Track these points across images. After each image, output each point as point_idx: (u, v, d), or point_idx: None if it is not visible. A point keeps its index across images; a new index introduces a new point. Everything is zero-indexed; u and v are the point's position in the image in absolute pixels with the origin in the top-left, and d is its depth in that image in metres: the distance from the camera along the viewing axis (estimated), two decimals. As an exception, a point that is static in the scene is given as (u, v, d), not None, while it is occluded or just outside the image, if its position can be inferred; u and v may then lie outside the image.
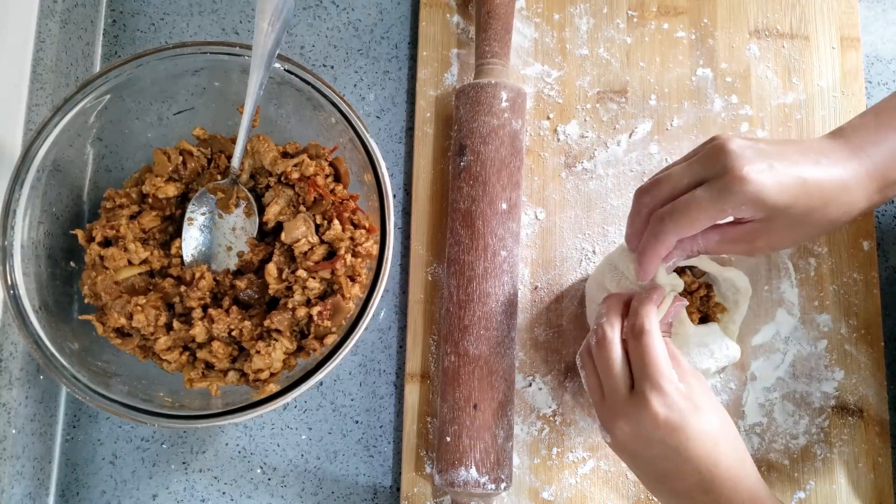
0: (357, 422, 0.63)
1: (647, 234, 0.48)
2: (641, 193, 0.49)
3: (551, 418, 0.61)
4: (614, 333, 0.50)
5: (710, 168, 0.46)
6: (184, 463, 0.62)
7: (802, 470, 0.60)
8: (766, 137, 0.48)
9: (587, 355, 0.51)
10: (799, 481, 0.60)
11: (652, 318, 0.49)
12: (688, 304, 0.53)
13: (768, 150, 0.46)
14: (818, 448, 0.60)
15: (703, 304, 0.58)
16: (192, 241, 0.58)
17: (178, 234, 0.58)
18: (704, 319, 0.57)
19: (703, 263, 0.55)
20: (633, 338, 0.48)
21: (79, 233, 0.56)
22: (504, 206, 0.60)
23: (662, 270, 0.52)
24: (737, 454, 0.47)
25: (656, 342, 0.47)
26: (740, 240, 0.48)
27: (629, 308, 0.51)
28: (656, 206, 0.48)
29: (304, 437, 0.63)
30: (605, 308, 0.51)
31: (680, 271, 0.57)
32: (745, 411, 0.61)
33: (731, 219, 0.47)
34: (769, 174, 0.44)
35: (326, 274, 0.55)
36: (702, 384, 0.49)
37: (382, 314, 0.65)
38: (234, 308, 0.56)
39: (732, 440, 0.48)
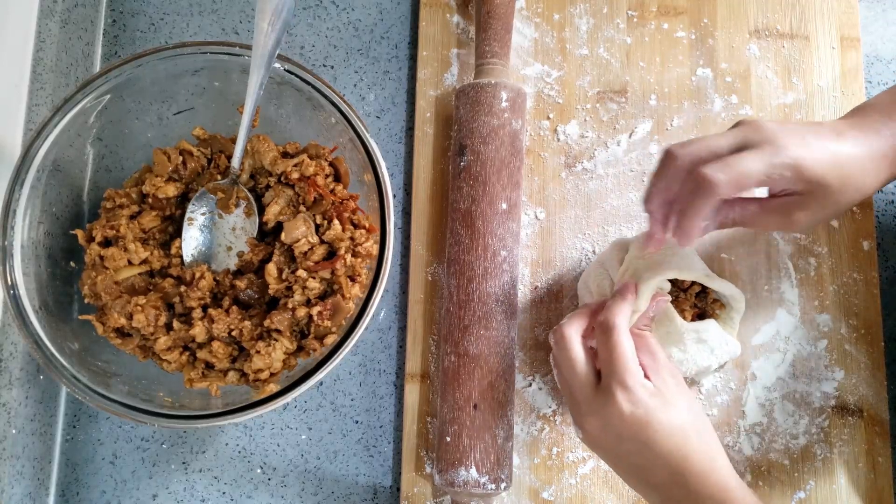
0: (357, 422, 0.63)
1: (691, 192, 0.46)
2: (676, 149, 0.47)
3: (551, 418, 0.61)
4: (572, 332, 0.50)
5: (748, 138, 0.47)
6: (184, 463, 0.62)
7: (802, 470, 0.60)
8: (786, 121, 0.51)
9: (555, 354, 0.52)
10: (799, 481, 0.60)
11: (620, 315, 0.49)
12: (670, 299, 0.53)
13: (797, 130, 0.47)
14: (818, 448, 0.60)
15: (701, 300, 0.58)
16: (192, 241, 0.58)
17: (178, 234, 0.58)
18: (703, 317, 0.57)
19: (692, 276, 0.55)
20: (601, 333, 0.49)
21: (79, 233, 0.56)
22: (504, 206, 0.60)
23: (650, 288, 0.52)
24: (708, 447, 0.48)
25: (622, 338, 0.48)
26: (778, 211, 0.49)
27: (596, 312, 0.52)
28: (695, 164, 0.46)
29: (304, 437, 0.63)
30: (570, 314, 0.52)
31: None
32: (745, 411, 0.61)
33: (765, 193, 0.48)
34: (806, 148, 0.46)
35: (326, 274, 0.55)
36: (675, 379, 0.49)
37: (382, 314, 0.65)
38: (234, 308, 0.56)
39: (703, 434, 0.48)
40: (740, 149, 0.47)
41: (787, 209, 0.48)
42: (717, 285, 0.55)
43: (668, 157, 0.48)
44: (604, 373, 0.48)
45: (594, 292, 0.57)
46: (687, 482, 0.47)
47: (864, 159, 0.48)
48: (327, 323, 0.54)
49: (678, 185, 0.47)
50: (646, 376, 0.48)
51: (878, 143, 0.48)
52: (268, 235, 0.59)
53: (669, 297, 0.53)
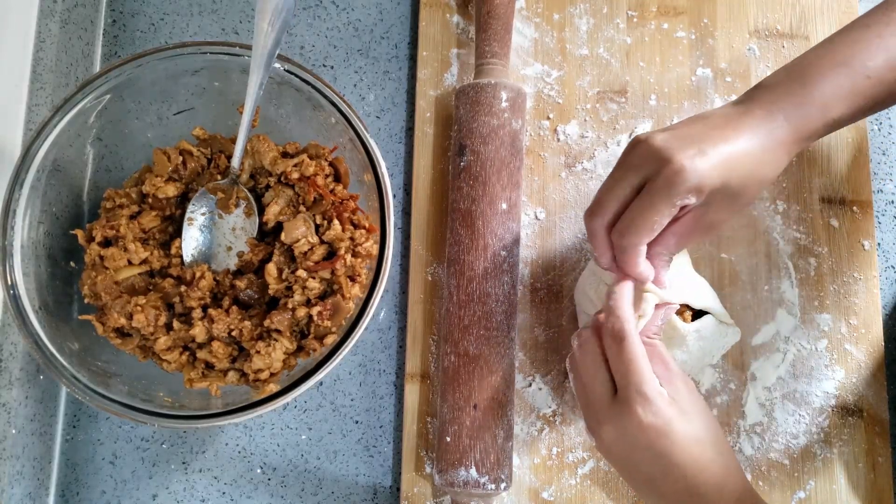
0: (357, 422, 0.63)
1: (618, 253, 0.49)
2: (591, 216, 0.50)
3: (551, 418, 0.61)
4: (595, 339, 0.50)
5: (645, 169, 0.47)
6: (184, 463, 0.62)
7: (802, 470, 0.60)
8: (676, 122, 0.51)
9: (573, 360, 0.52)
10: (799, 481, 0.60)
11: (629, 322, 0.49)
12: (677, 307, 0.53)
13: (690, 135, 0.47)
14: (818, 448, 0.60)
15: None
16: (192, 241, 0.58)
17: (178, 234, 0.58)
18: (698, 314, 0.57)
19: (703, 305, 0.55)
20: (614, 343, 0.48)
21: (79, 233, 0.56)
22: (504, 206, 0.60)
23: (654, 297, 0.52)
24: (723, 458, 0.47)
25: (636, 347, 0.47)
26: (692, 229, 0.49)
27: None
28: (611, 223, 0.49)
29: (304, 437, 0.63)
30: (591, 321, 0.52)
31: None
32: (745, 411, 0.61)
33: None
34: (701, 158, 0.46)
35: (326, 274, 0.55)
36: (689, 387, 0.49)
37: (382, 314, 0.65)
38: (234, 308, 0.56)
39: (719, 444, 0.48)
40: (641, 186, 0.47)
41: (699, 222, 0.49)
42: (722, 316, 0.56)
43: (587, 222, 0.51)
44: (619, 382, 0.48)
45: (594, 299, 0.57)
46: (702, 493, 0.46)
47: (761, 152, 0.48)
48: (327, 323, 0.54)
49: (607, 244, 0.50)
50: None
51: (773, 131, 0.48)
52: (268, 235, 0.59)
53: (676, 305, 0.53)
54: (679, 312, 0.55)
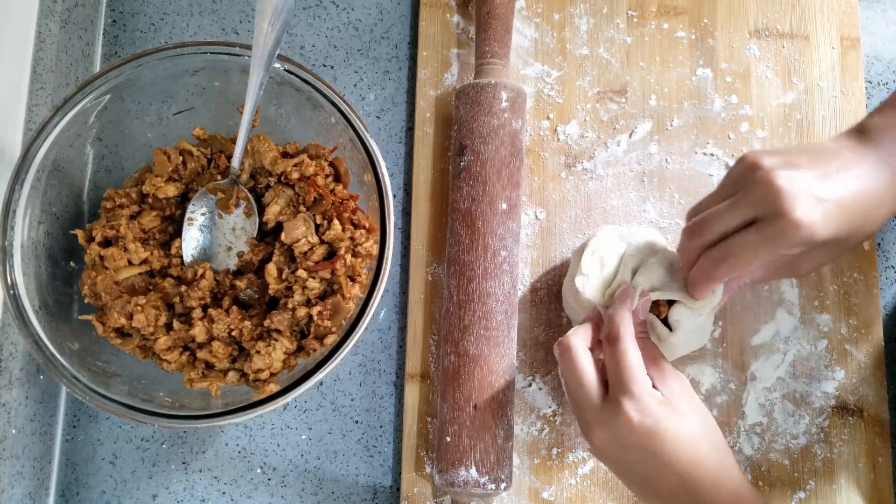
0: (357, 422, 0.63)
1: (699, 271, 0.49)
2: (691, 235, 0.49)
3: (551, 418, 0.61)
4: (577, 342, 0.50)
5: (759, 208, 0.45)
6: (184, 463, 0.62)
7: (802, 470, 0.60)
8: (797, 148, 0.48)
9: (560, 366, 0.52)
10: (799, 481, 0.60)
11: (624, 325, 0.49)
12: (652, 299, 0.53)
13: (810, 178, 0.45)
14: (818, 448, 0.60)
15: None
16: (192, 241, 0.58)
17: (178, 234, 0.58)
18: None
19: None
20: (608, 345, 0.48)
21: (79, 233, 0.56)
22: (504, 206, 0.60)
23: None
24: (718, 455, 0.47)
25: (629, 347, 0.48)
26: (785, 267, 0.48)
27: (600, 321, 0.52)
28: (707, 246, 0.48)
29: (304, 437, 0.63)
30: (575, 326, 0.52)
31: None
32: (745, 411, 0.61)
33: None
34: (818, 211, 0.44)
35: (326, 274, 0.55)
36: (683, 386, 0.49)
37: (382, 314, 0.65)
38: (234, 308, 0.56)
39: (714, 442, 0.48)
40: (750, 221, 0.46)
41: (794, 265, 0.48)
42: (685, 299, 0.55)
43: (685, 237, 0.50)
44: (611, 383, 0.48)
45: (574, 306, 0.57)
46: (698, 491, 0.46)
47: (875, 203, 0.46)
48: (327, 323, 0.54)
49: (692, 263, 0.50)
50: (654, 386, 0.48)
51: (890, 182, 0.46)
52: (268, 235, 0.59)
53: (650, 296, 0.52)
54: (656, 308, 0.55)
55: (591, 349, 0.50)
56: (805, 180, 0.44)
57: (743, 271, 0.47)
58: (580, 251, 0.57)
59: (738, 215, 0.46)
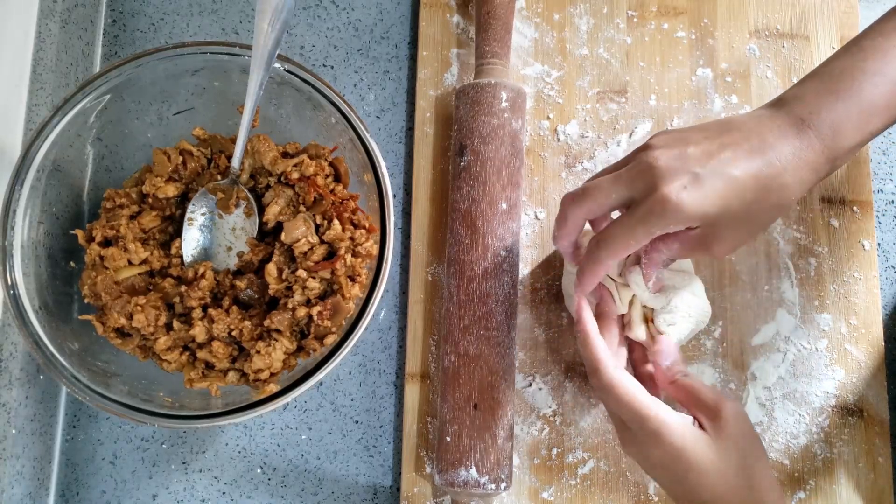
0: (357, 422, 0.63)
1: (586, 258, 0.49)
2: (571, 201, 0.49)
3: (551, 418, 0.61)
4: (619, 374, 0.49)
5: (635, 187, 0.45)
6: (184, 463, 0.62)
7: (802, 470, 0.60)
8: (703, 125, 0.47)
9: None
10: (799, 481, 0.60)
11: (607, 363, 0.48)
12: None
13: (697, 154, 0.44)
14: (818, 448, 0.60)
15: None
16: (192, 241, 0.58)
17: (178, 234, 0.58)
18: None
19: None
20: (603, 392, 0.48)
21: (79, 233, 0.56)
22: (504, 206, 0.60)
23: (641, 286, 0.52)
24: (746, 484, 0.46)
25: (623, 383, 0.47)
26: (697, 246, 0.47)
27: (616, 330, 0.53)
28: (584, 218, 0.49)
29: (304, 437, 0.63)
30: (594, 349, 0.50)
31: None
32: (746, 411, 0.61)
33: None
34: (693, 189, 0.43)
35: (326, 274, 0.55)
36: (729, 413, 0.47)
37: (382, 314, 0.65)
38: (234, 308, 0.56)
39: (750, 477, 0.46)
40: (628, 201, 0.46)
41: (704, 242, 0.46)
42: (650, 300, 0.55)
43: (564, 205, 0.49)
44: (628, 423, 0.48)
45: (574, 295, 0.57)
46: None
47: (778, 175, 0.44)
48: (327, 323, 0.54)
49: (573, 231, 0.49)
50: (697, 416, 0.48)
51: (801, 152, 0.44)
52: (268, 235, 0.59)
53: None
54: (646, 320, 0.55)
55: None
56: (684, 158, 0.44)
57: (624, 253, 0.47)
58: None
59: (615, 191, 0.46)
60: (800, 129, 0.45)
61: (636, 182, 0.45)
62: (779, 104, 0.47)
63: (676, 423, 0.46)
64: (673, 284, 0.54)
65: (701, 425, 0.47)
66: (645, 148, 0.47)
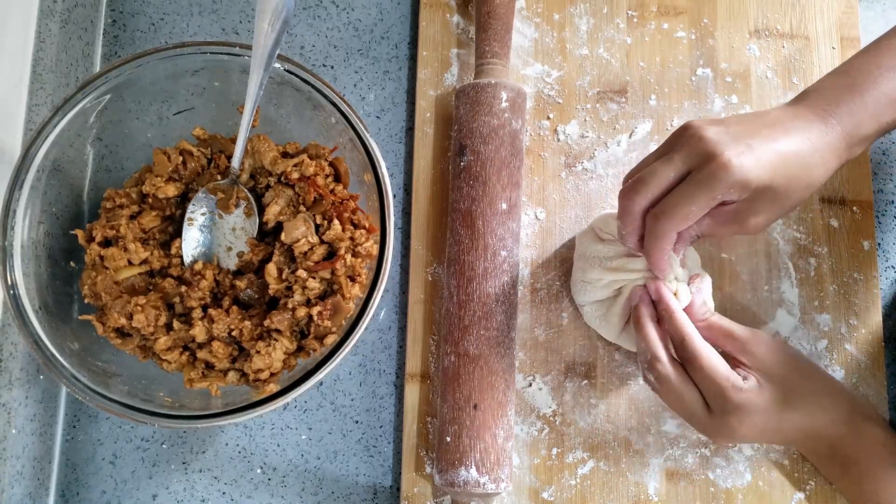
0: (357, 422, 0.63)
1: (648, 235, 0.50)
2: (631, 194, 0.50)
3: (551, 418, 0.61)
4: (665, 367, 0.52)
5: (691, 159, 0.48)
6: (184, 463, 0.62)
7: (802, 470, 0.60)
8: (733, 116, 0.51)
9: (659, 392, 0.54)
10: (799, 481, 0.60)
11: (693, 335, 0.52)
12: (706, 276, 0.57)
13: (741, 131, 0.48)
14: (818, 448, 0.60)
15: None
16: (192, 241, 0.58)
17: (178, 234, 0.58)
18: None
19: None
20: (690, 366, 0.52)
21: (79, 233, 0.56)
22: (504, 206, 0.60)
23: (676, 264, 0.54)
24: (840, 411, 0.53)
25: (711, 359, 0.51)
26: (731, 221, 0.50)
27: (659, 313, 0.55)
28: (648, 206, 0.50)
29: (304, 437, 0.63)
30: (647, 336, 0.54)
31: None
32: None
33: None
34: (749, 155, 0.46)
35: (326, 274, 0.55)
36: (769, 346, 0.53)
37: (382, 314, 0.65)
38: (234, 308, 0.56)
39: (833, 400, 0.53)
40: (685, 174, 0.48)
41: (740, 217, 0.49)
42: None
43: (622, 199, 0.51)
44: (706, 395, 0.51)
45: (591, 280, 0.58)
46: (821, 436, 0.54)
47: (810, 154, 0.48)
48: (327, 323, 0.54)
49: (639, 223, 0.51)
50: (738, 363, 0.52)
51: (825, 135, 0.49)
52: (268, 235, 0.59)
53: (705, 275, 0.57)
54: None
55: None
56: (733, 133, 0.47)
57: (685, 222, 0.48)
58: (586, 231, 0.60)
59: (672, 168, 0.48)
60: (822, 117, 0.49)
61: (692, 155, 0.48)
62: (800, 98, 0.52)
63: (745, 386, 0.51)
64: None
65: (738, 362, 0.53)
66: (685, 129, 0.49)
